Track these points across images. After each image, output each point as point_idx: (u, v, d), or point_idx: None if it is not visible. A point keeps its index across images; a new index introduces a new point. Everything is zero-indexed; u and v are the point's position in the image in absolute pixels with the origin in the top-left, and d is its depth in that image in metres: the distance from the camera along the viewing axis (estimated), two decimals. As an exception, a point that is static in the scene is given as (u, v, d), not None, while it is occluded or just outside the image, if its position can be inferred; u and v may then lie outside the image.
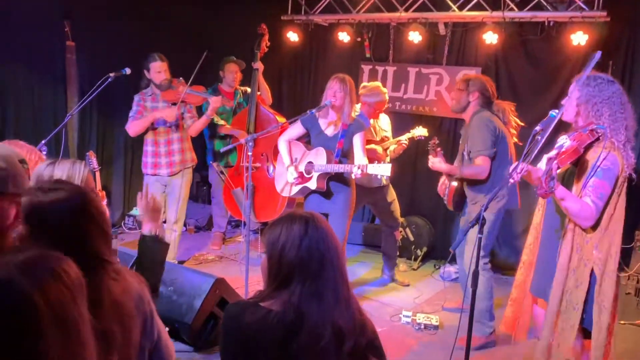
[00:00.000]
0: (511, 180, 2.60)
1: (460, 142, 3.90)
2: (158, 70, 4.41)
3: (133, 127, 4.48)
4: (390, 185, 4.76)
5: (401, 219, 5.25)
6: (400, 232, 5.21)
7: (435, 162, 3.75)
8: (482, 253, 3.71)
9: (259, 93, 5.27)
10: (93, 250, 1.47)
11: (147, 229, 2.25)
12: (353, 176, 3.57)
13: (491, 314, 3.80)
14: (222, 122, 5.21)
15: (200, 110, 4.79)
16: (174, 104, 4.48)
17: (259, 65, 5.21)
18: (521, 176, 2.60)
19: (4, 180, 1.55)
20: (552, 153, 2.57)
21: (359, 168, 3.49)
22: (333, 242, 1.69)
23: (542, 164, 2.75)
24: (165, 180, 4.62)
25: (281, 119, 5.04)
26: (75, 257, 1.34)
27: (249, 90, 5.30)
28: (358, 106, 4.53)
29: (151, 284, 2.15)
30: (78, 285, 1.09)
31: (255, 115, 5.20)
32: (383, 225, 4.88)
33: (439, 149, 3.79)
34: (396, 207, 4.77)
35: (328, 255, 1.65)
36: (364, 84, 4.72)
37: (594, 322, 2.57)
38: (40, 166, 2.18)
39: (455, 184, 3.87)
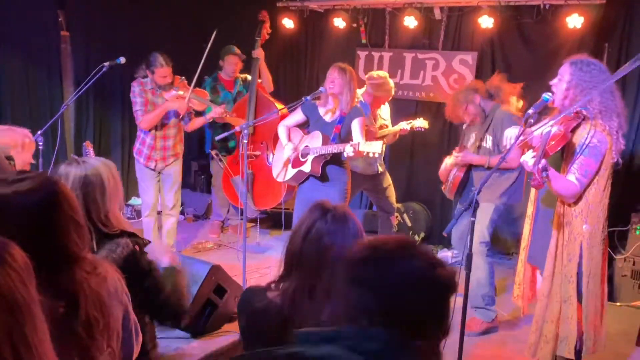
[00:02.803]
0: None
1: (476, 131, 3.91)
2: (164, 75, 4.35)
3: (148, 121, 4.42)
4: (386, 172, 4.77)
5: (398, 205, 5.27)
6: (397, 217, 5.23)
7: (462, 155, 3.86)
8: (486, 239, 3.75)
9: (259, 81, 5.25)
10: (63, 245, 1.39)
11: (166, 262, 2.20)
12: (346, 154, 3.56)
13: (492, 299, 3.82)
14: None
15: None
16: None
17: (259, 53, 5.19)
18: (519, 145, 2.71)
19: None
20: (542, 130, 2.61)
21: (351, 146, 3.50)
22: (347, 240, 1.61)
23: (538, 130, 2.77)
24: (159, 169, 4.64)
25: (280, 107, 5.03)
26: (44, 251, 1.33)
27: (249, 78, 5.28)
28: (360, 91, 4.52)
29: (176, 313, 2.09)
30: (25, 268, 1.08)
31: (255, 104, 5.19)
32: (379, 211, 4.90)
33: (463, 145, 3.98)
34: (392, 193, 4.79)
35: (333, 252, 1.59)
36: (372, 72, 4.68)
37: (583, 293, 2.64)
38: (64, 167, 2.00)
39: (459, 173, 3.92)
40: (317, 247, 1.60)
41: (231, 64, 5.22)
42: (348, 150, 3.50)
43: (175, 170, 4.67)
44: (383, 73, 4.64)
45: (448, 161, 4.03)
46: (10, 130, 2.68)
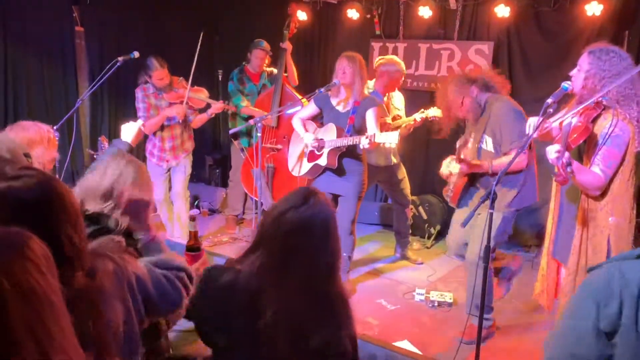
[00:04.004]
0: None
1: (474, 131, 3.49)
2: (160, 77, 4.45)
3: (149, 127, 4.55)
4: (401, 163, 4.73)
5: (414, 198, 5.22)
6: (412, 209, 5.18)
7: (461, 169, 3.44)
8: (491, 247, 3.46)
9: (285, 74, 5.24)
10: (54, 245, 1.33)
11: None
12: (362, 146, 3.52)
13: (490, 307, 3.60)
14: (245, 103, 5.20)
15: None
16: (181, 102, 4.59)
17: (287, 46, 5.17)
18: (539, 134, 2.64)
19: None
20: (563, 122, 2.55)
21: (366, 138, 3.46)
22: (318, 237, 1.57)
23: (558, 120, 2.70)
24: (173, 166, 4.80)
25: (305, 101, 5.00)
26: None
27: (275, 71, 5.27)
28: (371, 83, 4.50)
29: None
30: (44, 258, 1.09)
31: (280, 97, 5.18)
32: (394, 203, 4.86)
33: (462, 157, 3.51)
34: (406, 185, 4.75)
35: (302, 246, 1.56)
36: (380, 57, 4.68)
37: None
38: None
39: (460, 182, 3.58)
40: (282, 236, 1.57)
41: (257, 58, 5.21)
42: (364, 143, 3.47)
43: (185, 163, 4.80)
44: (390, 55, 4.63)
45: (453, 170, 3.58)
46: (35, 125, 2.72)
